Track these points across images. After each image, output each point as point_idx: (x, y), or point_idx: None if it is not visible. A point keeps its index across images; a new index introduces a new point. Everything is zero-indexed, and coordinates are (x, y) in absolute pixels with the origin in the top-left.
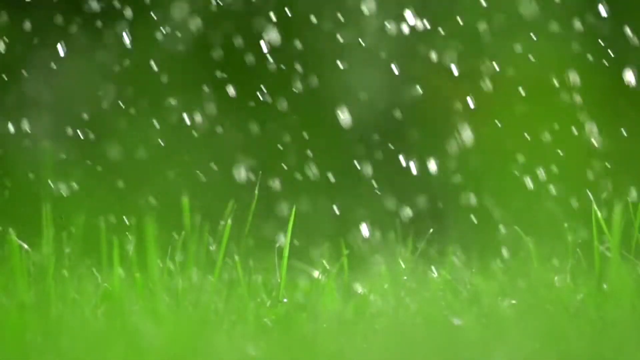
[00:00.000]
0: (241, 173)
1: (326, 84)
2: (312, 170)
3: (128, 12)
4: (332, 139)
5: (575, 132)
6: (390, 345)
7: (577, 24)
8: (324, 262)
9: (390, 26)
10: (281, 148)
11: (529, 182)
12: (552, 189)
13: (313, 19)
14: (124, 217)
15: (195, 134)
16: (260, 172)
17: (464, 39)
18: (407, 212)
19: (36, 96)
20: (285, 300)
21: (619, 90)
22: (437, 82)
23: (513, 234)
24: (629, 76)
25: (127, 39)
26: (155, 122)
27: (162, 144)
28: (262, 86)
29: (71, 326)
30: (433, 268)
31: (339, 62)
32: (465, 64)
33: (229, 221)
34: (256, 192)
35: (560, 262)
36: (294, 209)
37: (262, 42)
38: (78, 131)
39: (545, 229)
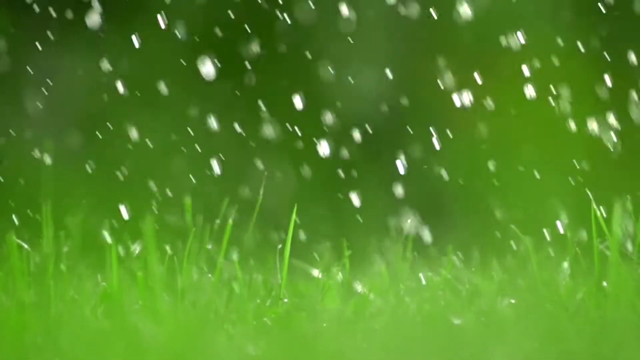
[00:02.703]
0: (244, 174)
1: (329, 80)
2: (313, 170)
3: (124, 9)
4: (332, 138)
5: (576, 131)
6: (390, 345)
7: (581, 21)
8: (325, 261)
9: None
10: (281, 148)
11: (528, 181)
12: (552, 188)
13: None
14: (125, 216)
15: (197, 133)
16: (265, 172)
17: (464, 33)
18: (407, 211)
19: (36, 95)
20: (285, 300)
21: (621, 88)
22: (437, 80)
23: (513, 233)
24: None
25: (125, 37)
26: (156, 121)
27: (164, 143)
28: (262, 86)
29: (71, 326)
30: (433, 268)
31: (338, 62)
32: (466, 60)
33: (230, 221)
34: (260, 192)
35: (559, 262)
36: (295, 208)
37: (266, 40)
38: (78, 131)
39: (544, 228)
